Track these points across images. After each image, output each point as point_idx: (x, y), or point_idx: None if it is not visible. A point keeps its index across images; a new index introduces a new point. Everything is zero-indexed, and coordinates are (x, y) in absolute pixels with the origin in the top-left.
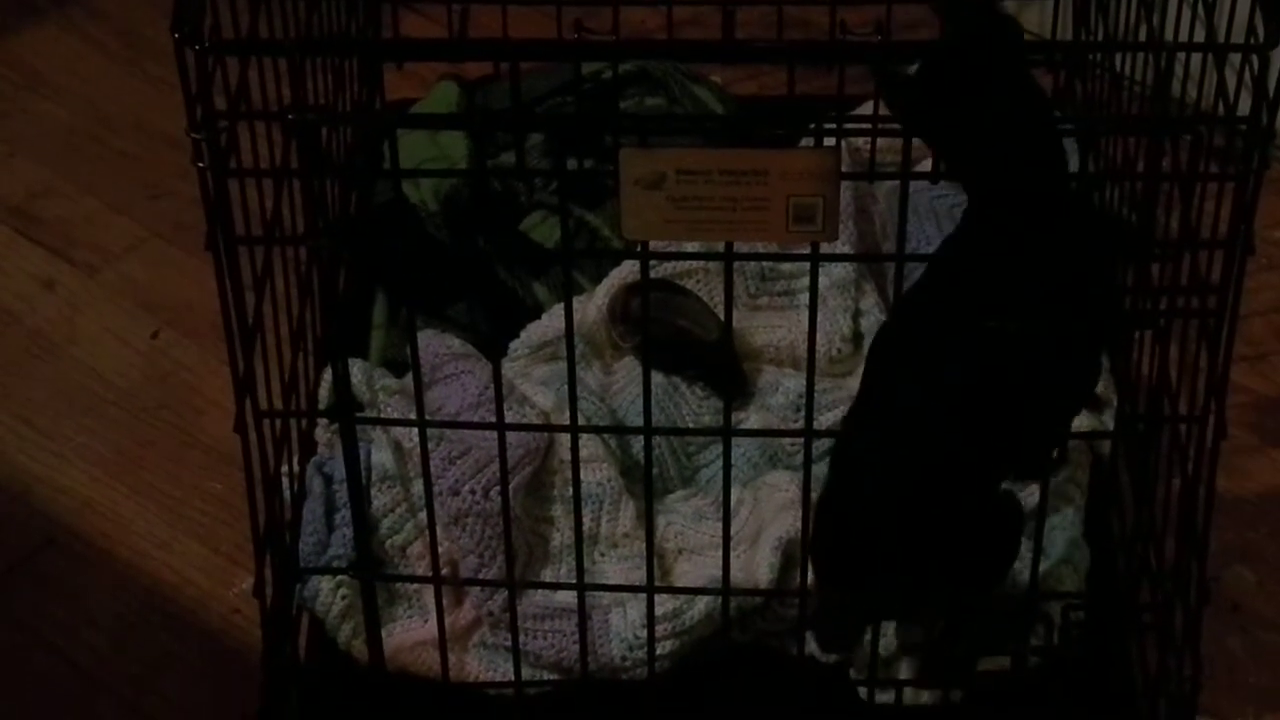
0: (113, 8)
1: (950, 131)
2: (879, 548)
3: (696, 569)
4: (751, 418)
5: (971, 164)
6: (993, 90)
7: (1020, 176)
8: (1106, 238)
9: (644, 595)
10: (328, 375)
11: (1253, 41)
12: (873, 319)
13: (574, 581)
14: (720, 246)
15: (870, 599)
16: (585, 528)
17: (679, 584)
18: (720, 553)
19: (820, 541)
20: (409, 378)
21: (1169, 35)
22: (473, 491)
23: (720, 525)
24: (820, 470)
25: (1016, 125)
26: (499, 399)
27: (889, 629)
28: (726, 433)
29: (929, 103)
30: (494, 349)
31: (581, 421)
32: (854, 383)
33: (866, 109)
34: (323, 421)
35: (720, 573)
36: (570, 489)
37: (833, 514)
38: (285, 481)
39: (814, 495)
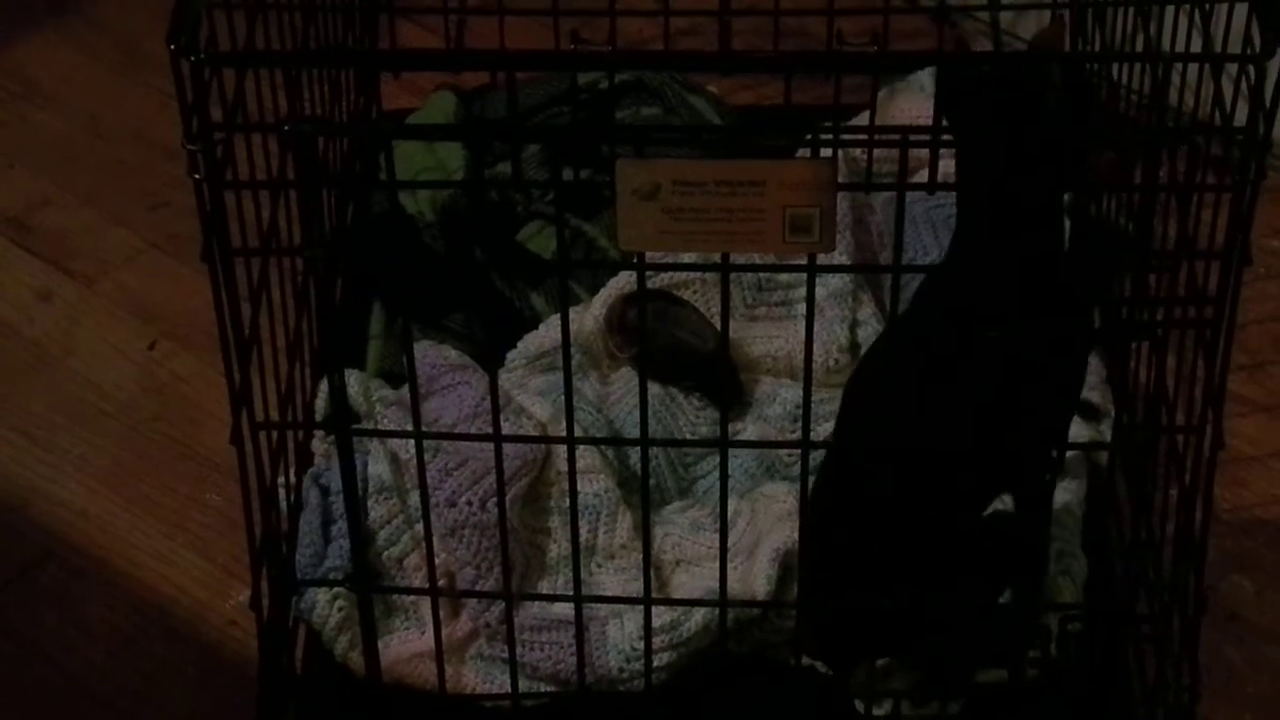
0: (111, 18)
1: (983, 136)
2: (870, 576)
3: (694, 580)
4: (749, 428)
5: (989, 172)
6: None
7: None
8: (1103, 247)
9: (641, 607)
10: (324, 387)
11: (1249, 51)
12: (870, 329)
13: (571, 593)
14: (717, 257)
15: (865, 631)
16: (582, 539)
17: (676, 595)
18: (718, 564)
19: (811, 572)
20: (406, 389)
21: (1166, 45)
22: (469, 503)
23: (718, 536)
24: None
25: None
26: (495, 410)
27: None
28: (724, 444)
29: (982, 104)
30: (491, 360)
31: (579, 432)
32: None
33: (863, 119)
34: (319, 433)
35: (718, 584)
36: (567, 500)
37: (822, 546)
38: (282, 493)
39: None
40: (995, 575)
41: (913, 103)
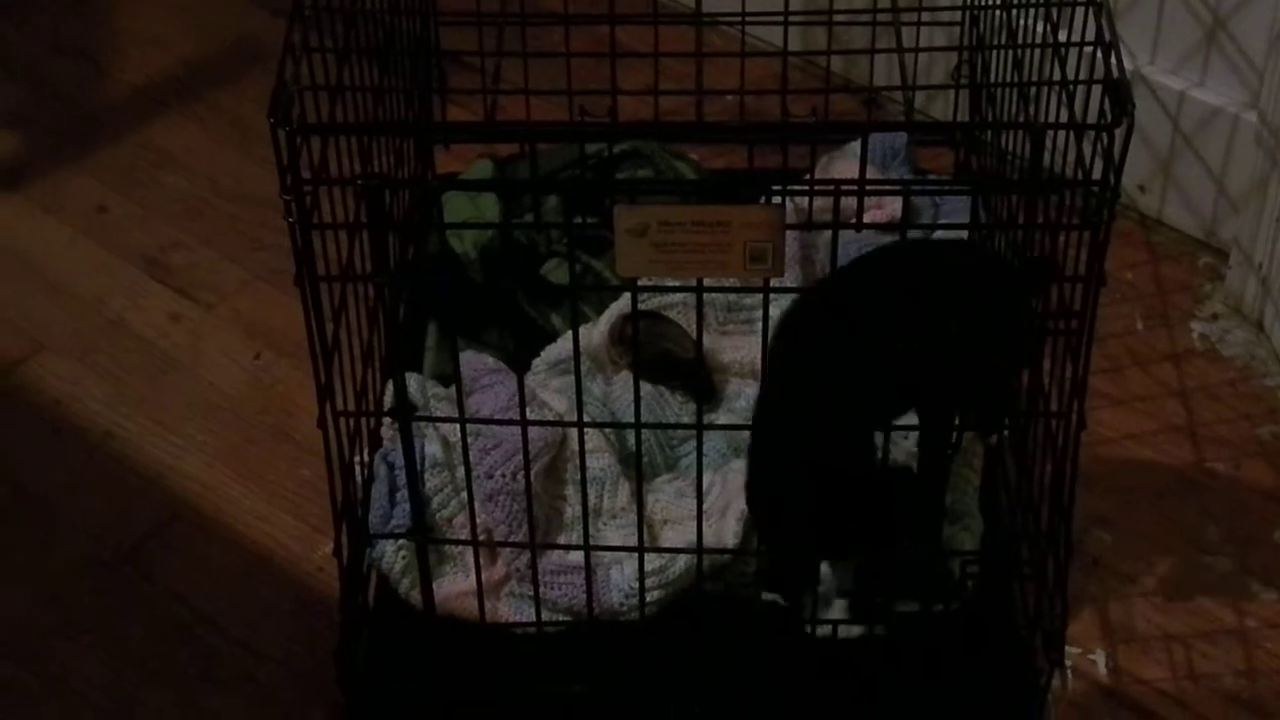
0: (225, 101)
1: None
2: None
3: (678, 535)
4: (720, 418)
5: None
6: None
7: None
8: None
9: (637, 555)
10: (391, 386)
11: (1103, 121)
12: None
13: (582, 544)
14: (694, 282)
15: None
16: (591, 503)
17: (664, 546)
18: (697, 522)
19: (755, 503)
20: (454, 387)
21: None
22: (503, 475)
23: (696, 501)
24: None
25: None
26: (522, 402)
27: (826, 579)
28: (699, 427)
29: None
30: (519, 365)
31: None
32: None
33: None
34: (387, 421)
35: (697, 537)
36: (579, 473)
37: (761, 483)
38: (358, 468)
39: None
40: (893, 518)
41: (847, 166)
